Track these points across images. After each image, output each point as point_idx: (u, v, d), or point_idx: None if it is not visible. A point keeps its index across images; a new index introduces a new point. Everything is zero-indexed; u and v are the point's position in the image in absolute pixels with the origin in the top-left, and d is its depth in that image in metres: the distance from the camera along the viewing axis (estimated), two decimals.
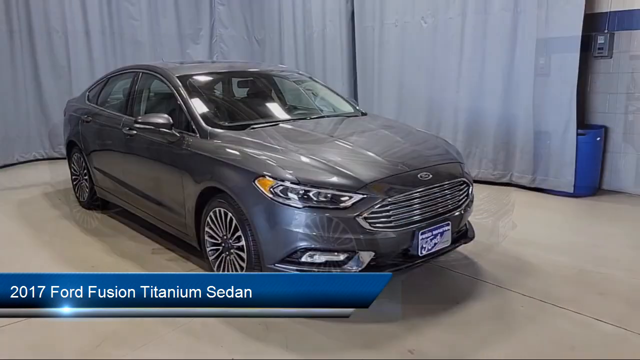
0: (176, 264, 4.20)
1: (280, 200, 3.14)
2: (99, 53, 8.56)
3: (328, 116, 4.42)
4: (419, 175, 3.33)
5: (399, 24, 7.13)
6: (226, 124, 3.96)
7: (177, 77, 4.32)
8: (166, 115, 3.92)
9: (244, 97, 4.73)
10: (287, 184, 3.15)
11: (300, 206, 3.10)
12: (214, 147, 3.64)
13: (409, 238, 3.21)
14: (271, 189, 3.17)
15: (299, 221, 3.10)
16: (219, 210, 3.53)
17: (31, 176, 7.37)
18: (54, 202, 6.02)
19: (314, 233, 3.08)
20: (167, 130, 3.93)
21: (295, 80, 5.15)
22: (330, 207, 3.09)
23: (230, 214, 3.42)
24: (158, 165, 4.12)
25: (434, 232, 3.30)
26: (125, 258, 4.33)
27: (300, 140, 3.73)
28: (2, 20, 7.65)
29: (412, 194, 3.23)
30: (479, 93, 6.32)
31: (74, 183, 5.83)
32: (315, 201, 3.10)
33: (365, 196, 3.10)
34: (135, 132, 4.40)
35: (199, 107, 4.03)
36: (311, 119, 4.30)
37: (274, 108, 4.68)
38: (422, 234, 3.22)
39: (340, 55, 8.19)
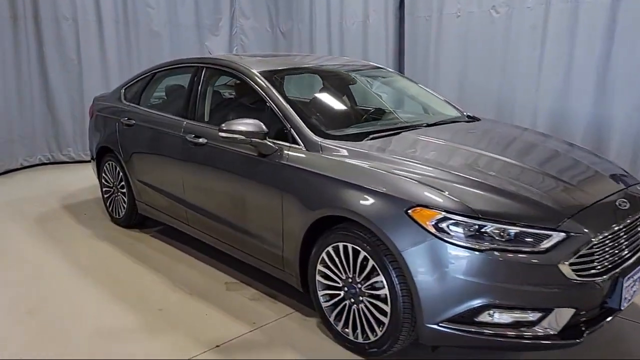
0: (264, 305, 3.39)
1: (449, 238, 2.37)
2: (112, 44, 7.63)
3: (445, 122, 3.62)
4: (617, 203, 2.58)
5: (462, 13, 6.37)
6: (337, 133, 3.15)
7: (260, 73, 3.50)
8: (258, 122, 3.10)
9: (342, 98, 3.91)
10: (458, 217, 2.38)
11: (481, 248, 2.33)
12: (334, 164, 2.84)
13: (610, 287, 2.45)
14: (435, 224, 2.39)
15: (479, 268, 2.33)
16: (343, 246, 2.74)
17: (42, 184, 6.44)
18: (79, 217, 5.13)
19: (501, 285, 2.32)
20: (259, 141, 3.10)
21: (386, 77, 4.35)
22: (524, 249, 2.32)
23: (363, 252, 2.63)
24: (243, 183, 3.30)
25: (635, 277, 2.56)
26: (194, 295, 3.51)
27: (444, 156, 2.97)
28: (4, 4, 6.69)
29: (618, 228, 2.48)
30: (564, 92, 5.59)
31: (106, 196, 4.95)
32: (501, 241, 2.33)
33: (568, 234, 2.34)
34: (204, 140, 3.57)
35: (300, 112, 3.22)
36: (429, 125, 3.50)
37: (382, 112, 3.89)
38: (626, 280, 2.47)
39: (385, 49, 7.41)
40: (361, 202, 2.63)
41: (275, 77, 3.50)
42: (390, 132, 3.21)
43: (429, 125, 3.47)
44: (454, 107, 4.08)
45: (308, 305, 3.27)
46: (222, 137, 3.15)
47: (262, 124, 3.11)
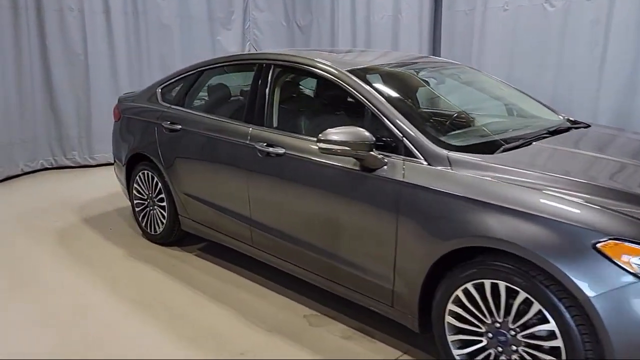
0: (362, 345, 2.88)
1: None
2: (120, 38, 6.98)
3: (562, 129, 3.13)
4: None
5: (510, 7, 5.92)
6: (459, 143, 2.65)
7: (352, 72, 2.97)
8: (364, 131, 2.59)
9: (439, 100, 3.41)
10: None
11: None
12: (475, 183, 2.33)
13: None
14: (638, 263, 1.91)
15: None
16: (492, 284, 2.24)
17: (49, 193, 5.78)
18: (105, 233, 4.53)
19: None
20: (365, 153, 2.58)
21: (464, 74, 3.86)
22: None
23: (524, 293, 2.14)
24: (338, 202, 2.77)
25: None
26: (275, 333, 2.99)
27: (594, 170, 2.48)
28: None
29: None
30: (630, 91, 5.19)
31: (138, 209, 4.36)
32: None
33: None
34: (282, 150, 3.03)
35: (412, 118, 2.71)
36: (552, 132, 3.01)
37: (497, 117, 3.39)
38: None
39: (418, 45, 6.94)
40: (522, 231, 2.14)
41: (368, 77, 2.97)
42: (522, 142, 2.70)
43: (552, 132, 2.99)
44: (551, 110, 3.61)
45: (418, 346, 2.78)
46: (321, 148, 2.62)
47: (368, 133, 2.59)
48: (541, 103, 3.68)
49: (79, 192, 5.79)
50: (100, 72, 6.85)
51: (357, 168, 2.68)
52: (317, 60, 3.15)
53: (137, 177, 4.29)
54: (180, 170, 3.81)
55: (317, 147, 2.67)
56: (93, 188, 5.93)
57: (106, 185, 5.97)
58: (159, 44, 7.45)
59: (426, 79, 3.51)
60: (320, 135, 2.62)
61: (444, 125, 2.98)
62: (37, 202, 5.41)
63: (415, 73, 3.46)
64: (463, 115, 3.20)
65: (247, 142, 3.26)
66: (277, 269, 3.34)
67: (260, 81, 3.37)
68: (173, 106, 4.00)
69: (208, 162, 3.57)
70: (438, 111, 3.16)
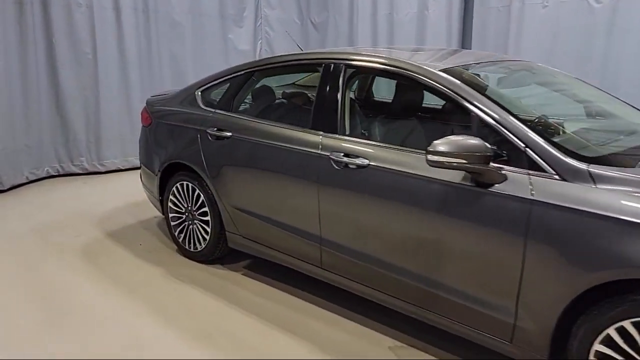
0: None
1: None
2: (131, 36, 6.54)
3: None
4: None
5: (549, 3, 5.63)
6: (594, 154, 2.31)
7: (447, 73, 2.62)
8: (481, 141, 2.24)
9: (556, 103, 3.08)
10: None
11: None
12: (634, 203, 1.99)
13: None
14: None
15: None
16: None
17: (60, 203, 5.33)
18: (135, 249, 4.11)
19: None
20: (482, 167, 2.24)
21: (541, 74, 3.53)
22: None
23: None
24: (442, 221, 2.42)
25: None
26: None
27: None
28: None
29: None
30: None
31: (174, 223, 3.96)
32: None
33: None
34: (365, 161, 2.67)
35: (529, 124, 2.36)
36: None
37: (597, 122, 3.06)
38: None
39: (446, 44, 6.62)
40: None
41: (464, 78, 2.62)
42: None
43: None
44: None
45: None
46: (431, 161, 2.26)
47: (485, 143, 2.24)
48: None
49: (93, 201, 5.35)
50: (110, 72, 6.41)
51: (468, 183, 2.33)
52: (402, 59, 2.79)
53: (174, 188, 3.88)
54: (230, 182, 3.42)
55: (410, 158, 2.32)
56: (108, 197, 5.49)
57: (122, 194, 5.55)
58: (170, 43, 7.03)
59: (521, 79, 3.17)
60: (430, 147, 2.26)
61: (570, 135, 2.63)
62: (51, 214, 4.96)
63: (507, 73, 3.12)
64: (569, 121, 2.87)
65: (319, 151, 2.89)
66: (345, 292, 3.00)
67: (329, 83, 3.00)
68: (218, 111, 3.60)
69: (265, 173, 3.19)
70: (543, 117, 2.82)
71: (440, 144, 2.23)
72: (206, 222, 3.70)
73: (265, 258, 3.44)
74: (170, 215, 3.99)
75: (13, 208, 5.12)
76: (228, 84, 3.66)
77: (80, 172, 6.45)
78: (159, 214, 4.78)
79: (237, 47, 7.82)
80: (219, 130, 3.49)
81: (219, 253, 3.75)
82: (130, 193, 5.61)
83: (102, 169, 6.55)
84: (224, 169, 3.44)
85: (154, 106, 4.17)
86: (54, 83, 6.10)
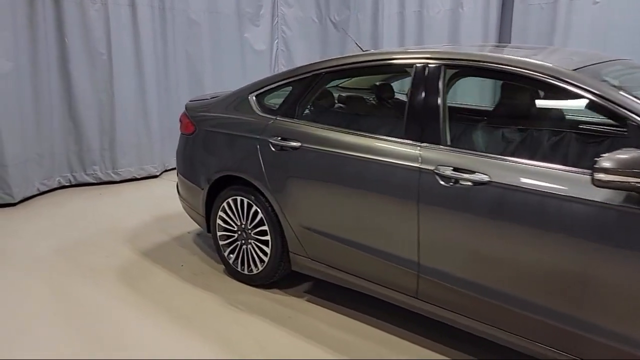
0: None
1: None
2: (147, 34, 6.11)
3: None
4: None
5: (601, 0, 5.32)
6: None
7: (584, 74, 2.25)
8: None
9: None
10: None
11: None
12: None
13: None
14: None
15: None
16: None
17: (80, 217, 4.88)
18: (178, 271, 3.70)
19: None
20: None
21: None
22: None
23: None
24: (603, 253, 2.05)
25: None
26: None
27: None
28: None
29: None
30: None
31: (224, 242, 3.55)
32: None
33: None
34: (485, 177, 2.30)
35: None
36: None
37: None
38: None
39: (483, 43, 6.28)
40: None
41: (610, 79, 2.26)
42: None
43: None
44: None
45: None
46: (601, 181, 1.89)
47: None
48: None
49: (115, 215, 4.91)
50: (126, 74, 5.96)
51: (635, 206, 1.96)
52: (522, 59, 2.41)
53: (225, 204, 3.47)
54: (299, 198, 3.02)
55: (547, 175, 1.94)
56: (130, 210, 5.06)
57: (144, 206, 5.12)
58: (186, 42, 6.62)
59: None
60: (596, 164, 1.89)
61: None
62: (72, 230, 4.51)
63: (632, 74, 2.77)
64: None
65: (418, 165, 2.51)
66: (432, 323, 2.62)
67: (426, 87, 2.62)
68: (280, 118, 3.20)
69: (345, 189, 2.80)
70: None
71: (611, 161, 1.86)
72: (265, 242, 3.30)
73: (339, 284, 3.05)
74: (219, 233, 3.58)
75: (28, 224, 4.66)
76: (290, 88, 3.26)
77: (94, 181, 6.00)
78: (192, 228, 4.39)
79: (254, 47, 7.42)
80: (284, 139, 3.09)
81: (278, 276, 3.35)
82: (153, 205, 5.19)
83: (117, 178, 6.10)
84: (291, 184, 3.04)
85: (196, 112, 3.75)
86: (67, 86, 5.64)
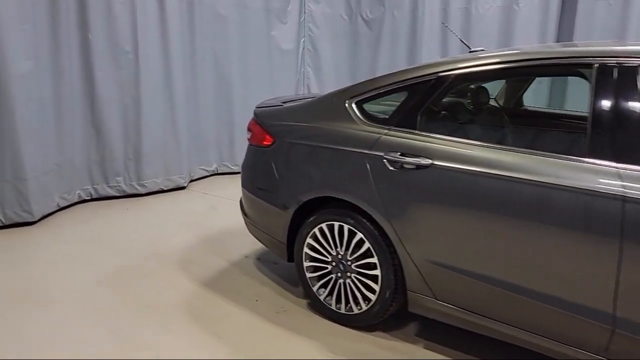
0: None
1: None
2: (175, 31, 5.54)
3: None
4: None
5: None
6: None
7: None
8: None
9: None
10: None
11: None
12: None
13: None
14: None
15: None
16: None
17: (115, 237, 4.29)
18: (252, 307, 3.15)
19: None
20: None
21: None
22: None
23: None
24: None
25: None
26: None
27: None
28: None
29: None
30: None
31: (314, 275, 3.02)
32: None
33: None
34: None
35: None
36: None
37: None
38: None
39: (540, 42, 5.84)
40: None
41: None
42: None
43: None
44: None
45: None
46: None
47: None
48: None
49: (152, 234, 4.33)
50: (152, 75, 5.37)
51: None
52: None
53: (316, 229, 2.92)
54: (426, 227, 2.50)
55: None
56: (167, 228, 4.49)
57: (182, 224, 4.56)
58: (212, 40, 6.05)
59: None
60: None
61: None
62: (109, 254, 3.92)
63: None
64: None
65: (620, 190, 2.00)
66: None
67: (620, 93, 2.12)
68: (395, 129, 2.67)
69: (501, 219, 2.28)
70: None
71: None
72: (371, 277, 2.77)
73: (480, 332, 2.53)
74: (307, 264, 3.04)
75: (55, 247, 4.04)
76: (405, 94, 2.72)
77: (117, 194, 5.39)
78: (248, 251, 3.86)
79: (281, 46, 6.88)
80: (406, 155, 2.55)
81: (383, 317, 2.82)
82: (191, 222, 4.63)
83: (142, 191, 5.49)
84: (416, 209, 2.51)
85: (274, 120, 3.20)
86: (89, 88, 5.03)
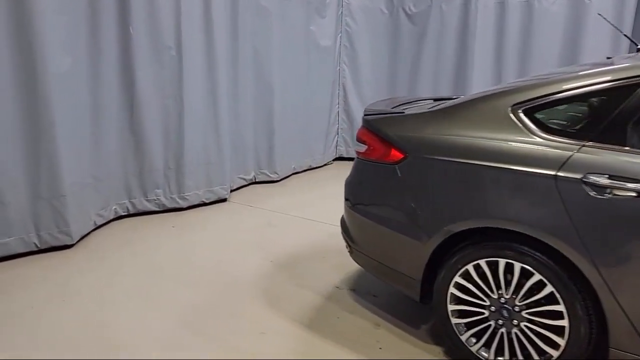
0: None
1: None
2: (219, 25, 4.93)
3: None
4: None
5: None
6: None
7: None
8: None
9: None
10: None
11: None
12: None
13: None
14: None
15: None
16: None
17: (175, 266, 3.69)
18: (377, 355, 2.58)
19: None
20: None
21: None
22: None
23: None
24: None
25: None
26: None
27: None
28: None
29: None
30: None
31: (461, 321, 2.48)
32: None
33: None
34: None
35: None
36: None
37: None
38: None
39: (612, 38, 5.39)
40: None
41: None
42: None
43: None
44: None
45: None
46: None
47: None
48: None
49: (215, 259, 3.77)
50: (196, 75, 4.76)
51: None
52: None
53: (470, 266, 2.38)
54: None
55: None
56: (228, 250, 3.94)
57: (243, 244, 4.03)
58: (253, 35, 5.47)
59: None
60: None
61: None
62: (174, 285, 3.32)
63: None
64: None
65: None
66: None
67: None
68: (595, 145, 2.13)
69: None
70: None
71: None
72: (553, 328, 2.23)
73: None
74: (452, 307, 2.49)
75: (108, 278, 3.41)
76: (601, 99, 2.19)
77: (156, 209, 4.76)
78: (337, 280, 3.31)
79: (319, 42, 6.31)
80: (618, 179, 2.02)
81: None
82: (253, 241, 4.09)
83: (184, 204, 4.88)
84: (636, 248, 1.98)
85: (400, 130, 2.63)
86: (129, 89, 4.40)
